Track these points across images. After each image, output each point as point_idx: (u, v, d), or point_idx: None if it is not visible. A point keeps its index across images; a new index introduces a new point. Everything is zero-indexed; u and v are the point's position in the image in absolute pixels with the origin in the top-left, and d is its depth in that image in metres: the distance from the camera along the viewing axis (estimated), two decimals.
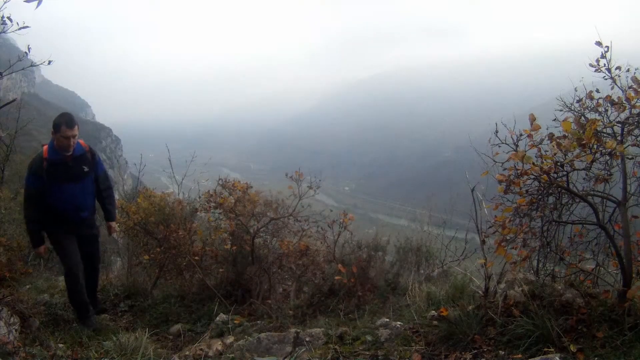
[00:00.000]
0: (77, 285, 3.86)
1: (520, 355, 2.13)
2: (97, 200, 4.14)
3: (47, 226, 3.91)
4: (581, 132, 2.16)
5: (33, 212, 3.85)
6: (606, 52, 2.56)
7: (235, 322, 3.33)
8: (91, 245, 4.13)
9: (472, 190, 2.87)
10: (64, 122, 3.71)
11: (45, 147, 3.89)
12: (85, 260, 4.01)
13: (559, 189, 2.43)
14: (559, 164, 2.28)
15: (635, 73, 2.42)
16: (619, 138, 2.40)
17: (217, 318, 3.43)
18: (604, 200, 2.51)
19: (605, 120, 2.48)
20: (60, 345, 3.12)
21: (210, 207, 4.55)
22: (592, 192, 2.47)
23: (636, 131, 2.43)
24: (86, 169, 3.93)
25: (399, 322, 2.84)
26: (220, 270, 4.39)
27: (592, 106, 2.54)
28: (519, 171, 2.33)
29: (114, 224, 4.32)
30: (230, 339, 3.02)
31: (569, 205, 2.58)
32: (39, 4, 2.62)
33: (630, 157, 2.42)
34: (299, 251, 4.16)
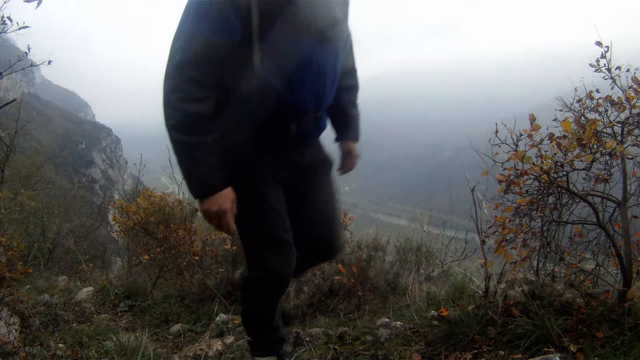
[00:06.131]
0: (275, 300, 2.02)
1: (520, 355, 2.13)
2: None
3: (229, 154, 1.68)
4: (581, 132, 2.16)
5: (202, 102, 1.57)
6: (606, 52, 2.55)
7: (235, 322, 3.32)
8: (323, 196, 2.02)
9: (472, 190, 2.87)
10: None
11: None
12: (310, 232, 1.97)
13: (559, 189, 2.43)
14: (559, 164, 2.28)
15: (635, 73, 2.42)
16: (619, 138, 2.40)
17: (217, 318, 3.43)
18: (604, 200, 2.51)
19: (605, 120, 2.48)
20: (60, 345, 3.12)
21: None
22: (592, 192, 2.47)
23: (636, 131, 2.43)
24: (341, 15, 1.71)
25: (399, 322, 2.84)
26: (220, 270, 4.39)
27: (592, 106, 2.53)
28: (519, 171, 2.33)
29: (356, 148, 2.20)
30: (230, 339, 3.02)
31: (569, 205, 2.58)
32: (39, 4, 2.61)
33: (630, 157, 2.42)
34: None
